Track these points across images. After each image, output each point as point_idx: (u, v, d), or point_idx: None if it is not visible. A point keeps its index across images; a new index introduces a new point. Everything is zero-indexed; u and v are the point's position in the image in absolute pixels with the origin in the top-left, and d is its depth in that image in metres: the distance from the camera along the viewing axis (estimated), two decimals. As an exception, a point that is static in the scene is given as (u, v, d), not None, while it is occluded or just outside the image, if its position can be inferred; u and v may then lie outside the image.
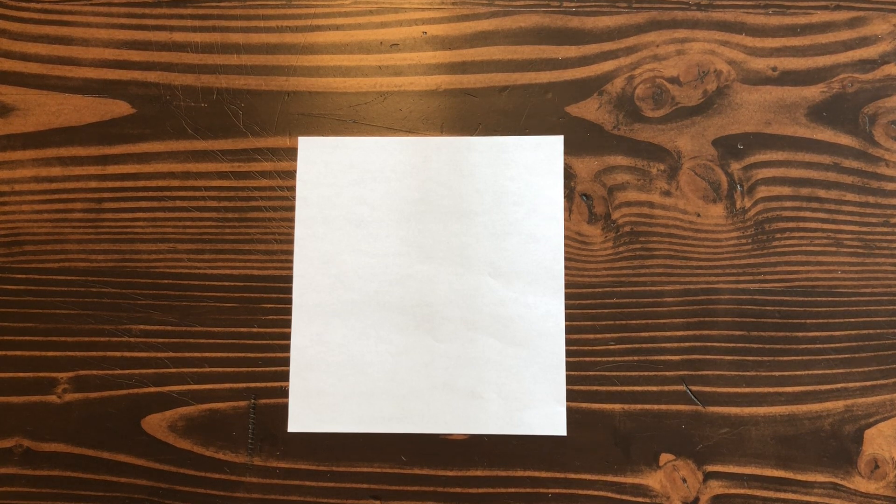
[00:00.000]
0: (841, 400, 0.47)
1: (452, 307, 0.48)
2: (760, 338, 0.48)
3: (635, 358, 0.48)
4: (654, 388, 0.48)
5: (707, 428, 0.48)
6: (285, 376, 0.48)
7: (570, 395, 0.48)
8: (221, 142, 0.50)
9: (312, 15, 0.50)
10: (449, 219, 0.49)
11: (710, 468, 0.47)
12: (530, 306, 0.48)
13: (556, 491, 0.47)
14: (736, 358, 0.48)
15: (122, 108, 0.50)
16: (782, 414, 0.47)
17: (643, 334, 0.48)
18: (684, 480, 0.47)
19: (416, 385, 0.48)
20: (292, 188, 0.49)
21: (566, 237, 0.49)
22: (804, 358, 0.48)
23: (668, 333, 0.48)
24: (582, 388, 0.48)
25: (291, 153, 0.50)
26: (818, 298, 0.48)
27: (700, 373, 0.48)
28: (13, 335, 0.49)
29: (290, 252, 0.49)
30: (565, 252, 0.48)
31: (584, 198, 0.49)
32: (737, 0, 0.50)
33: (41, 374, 0.48)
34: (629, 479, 0.47)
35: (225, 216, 0.49)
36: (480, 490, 0.48)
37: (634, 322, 0.48)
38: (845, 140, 0.49)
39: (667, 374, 0.48)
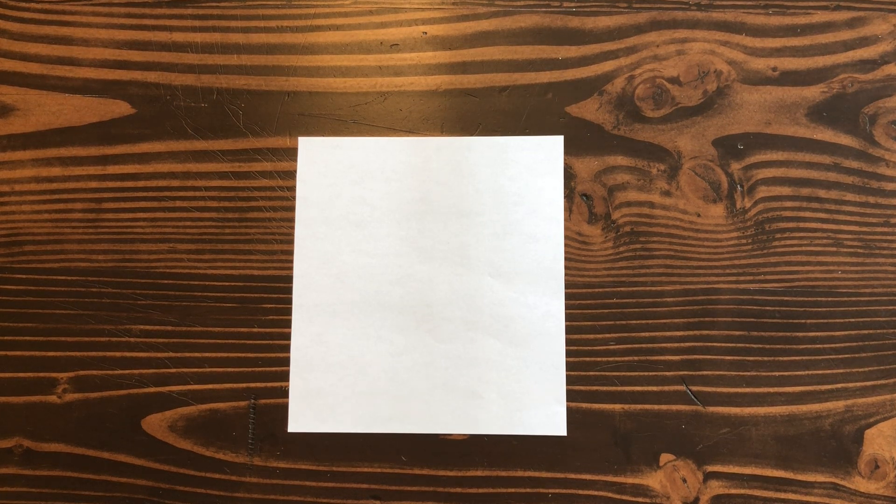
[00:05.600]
0: (841, 400, 0.47)
1: (452, 307, 0.48)
2: (760, 338, 0.48)
3: (635, 358, 0.48)
4: (654, 388, 0.48)
5: (707, 428, 0.48)
6: (285, 376, 0.48)
7: (570, 395, 0.48)
8: (221, 142, 0.50)
9: (312, 15, 0.50)
10: (449, 219, 0.49)
11: (711, 468, 0.47)
12: (530, 306, 0.48)
13: (556, 491, 0.47)
14: (736, 358, 0.48)
15: (122, 108, 0.50)
16: (782, 414, 0.47)
17: (643, 334, 0.48)
18: (684, 480, 0.47)
19: (416, 385, 0.48)
20: (292, 188, 0.49)
21: (566, 237, 0.49)
22: (804, 358, 0.48)
23: (668, 333, 0.48)
24: (582, 388, 0.48)
25: (291, 153, 0.50)
26: (818, 298, 0.48)
27: (700, 373, 0.48)
28: (13, 335, 0.49)
29: (290, 252, 0.49)
30: (565, 252, 0.48)
31: (584, 198, 0.49)
32: (737, 0, 0.50)
33: (41, 374, 0.48)
34: (629, 479, 0.47)
35: (225, 216, 0.49)
36: (480, 490, 0.48)
37: (634, 322, 0.48)
38: (845, 140, 0.49)
39: (667, 374, 0.48)
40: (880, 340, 0.48)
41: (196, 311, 0.49)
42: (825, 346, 0.48)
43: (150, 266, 0.49)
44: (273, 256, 0.49)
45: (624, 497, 0.47)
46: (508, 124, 0.49)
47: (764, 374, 0.48)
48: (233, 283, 0.49)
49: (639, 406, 0.48)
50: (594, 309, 0.48)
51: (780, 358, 0.48)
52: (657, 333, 0.48)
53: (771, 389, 0.48)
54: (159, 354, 0.48)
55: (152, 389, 0.48)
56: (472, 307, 0.48)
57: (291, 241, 0.49)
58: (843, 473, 0.47)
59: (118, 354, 0.48)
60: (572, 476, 0.48)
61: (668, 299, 0.48)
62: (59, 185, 0.50)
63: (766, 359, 0.48)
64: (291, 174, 0.49)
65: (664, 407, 0.48)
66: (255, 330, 0.48)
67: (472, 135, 0.49)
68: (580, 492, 0.47)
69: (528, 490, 0.48)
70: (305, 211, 0.49)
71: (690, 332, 0.48)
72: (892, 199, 0.48)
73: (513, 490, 0.48)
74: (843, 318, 0.48)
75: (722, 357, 0.48)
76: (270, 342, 0.48)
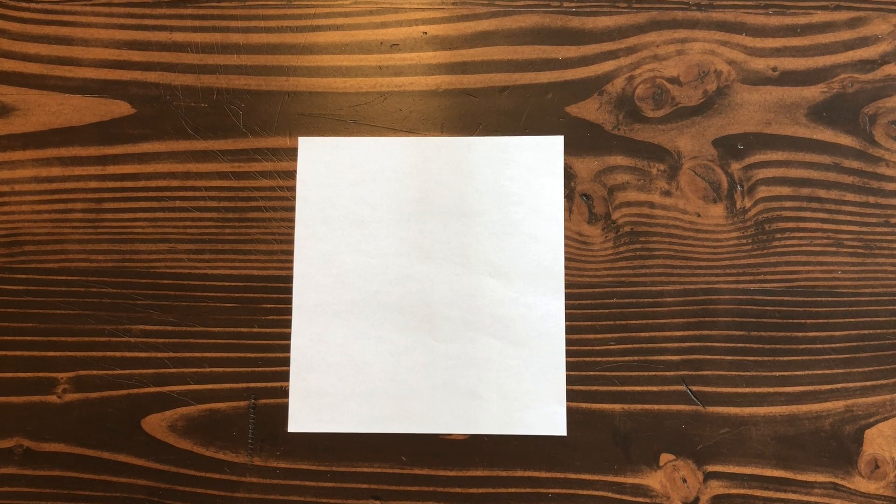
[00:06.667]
0: (841, 400, 0.47)
1: (452, 307, 0.48)
2: (760, 338, 0.48)
3: (635, 358, 0.48)
4: (654, 388, 0.48)
5: (707, 428, 0.48)
6: (285, 376, 0.48)
7: (570, 395, 0.48)
8: (221, 142, 0.50)
9: (312, 15, 0.50)
10: (449, 219, 0.49)
11: (711, 468, 0.47)
12: (530, 306, 0.48)
13: (556, 491, 0.47)
14: (736, 358, 0.48)
15: (122, 108, 0.50)
16: (782, 414, 0.47)
17: (643, 334, 0.48)
18: (684, 480, 0.47)
19: (416, 385, 0.48)
20: (292, 188, 0.49)
21: (566, 237, 0.49)
22: (804, 358, 0.48)
23: (668, 333, 0.48)
24: (582, 388, 0.48)
25: (291, 153, 0.50)
26: (818, 298, 0.48)
27: (700, 373, 0.48)
28: (13, 335, 0.49)
29: (290, 252, 0.49)
30: (565, 252, 0.48)
31: (584, 198, 0.49)
32: (737, 0, 0.50)
33: (41, 374, 0.48)
34: (629, 479, 0.47)
35: (225, 216, 0.49)
36: (480, 490, 0.48)
37: (634, 322, 0.48)
38: (845, 140, 0.49)
39: (667, 374, 0.48)
40: (880, 340, 0.48)
41: (196, 311, 0.49)
42: (825, 346, 0.48)
43: (150, 266, 0.49)
44: (273, 256, 0.49)
45: (624, 497, 0.47)
46: (508, 124, 0.49)
47: (764, 374, 0.48)
48: (233, 283, 0.49)
49: (639, 406, 0.48)
50: (594, 309, 0.48)
51: (780, 358, 0.48)
52: (657, 333, 0.48)
53: (771, 389, 0.48)
54: (159, 354, 0.48)
55: (152, 389, 0.48)
56: (472, 307, 0.48)
57: (291, 241, 0.49)
58: (843, 473, 0.47)
59: (118, 354, 0.48)
60: (572, 476, 0.48)
61: (668, 299, 0.48)
62: (59, 185, 0.50)
63: (766, 359, 0.48)
64: (291, 174, 0.49)
65: (664, 407, 0.48)
66: (255, 330, 0.48)
67: (472, 135, 0.49)
68: (580, 492, 0.47)
69: (528, 490, 0.48)
70: (305, 211, 0.49)
71: (690, 332, 0.48)
72: (892, 199, 0.48)
73: (513, 490, 0.48)
74: (843, 318, 0.48)
75: (722, 357, 0.48)
76: (270, 342, 0.48)
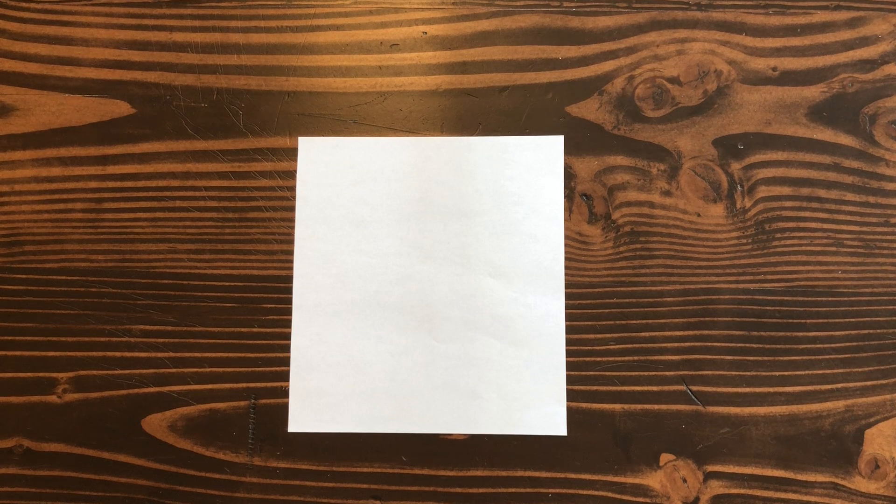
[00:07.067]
0: (841, 400, 0.47)
1: (452, 307, 0.48)
2: (760, 338, 0.48)
3: (635, 358, 0.48)
4: (654, 388, 0.48)
5: (707, 428, 0.48)
6: (285, 376, 0.48)
7: (570, 395, 0.48)
8: (221, 142, 0.50)
9: (312, 15, 0.50)
10: (449, 219, 0.49)
11: (711, 468, 0.47)
12: (530, 306, 0.48)
13: (556, 491, 0.47)
14: (736, 358, 0.48)
15: (122, 108, 0.50)
16: (782, 414, 0.47)
17: (643, 334, 0.48)
18: (684, 480, 0.47)
19: (416, 385, 0.48)
20: (292, 188, 0.49)
21: (566, 237, 0.49)
22: (804, 358, 0.48)
23: (668, 333, 0.48)
24: (582, 388, 0.48)
25: (291, 153, 0.50)
26: (818, 298, 0.48)
27: (700, 373, 0.48)
28: (13, 335, 0.49)
29: (290, 252, 0.49)
30: (565, 252, 0.48)
31: (585, 198, 0.49)
32: (737, 0, 0.50)
33: (41, 374, 0.48)
34: (629, 479, 0.47)
35: (225, 216, 0.49)
36: (480, 490, 0.48)
37: (634, 322, 0.48)
38: (845, 140, 0.49)
39: (667, 374, 0.48)
40: (880, 340, 0.48)
41: (196, 311, 0.49)
42: (825, 346, 0.48)
43: (150, 266, 0.49)
44: (273, 256, 0.49)
45: (624, 497, 0.47)
46: (508, 124, 0.49)
47: (764, 374, 0.48)
48: (233, 283, 0.49)
49: (639, 406, 0.48)
50: (594, 309, 0.48)
51: (780, 358, 0.48)
52: (657, 333, 0.48)
53: (771, 389, 0.48)
54: (159, 354, 0.48)
55: (152, 389, 0.48)
56: (472, 307, 0.48)
57: (291, 241, 0.49)
58: (843, 473, 0.47)
59: (118, 354, 0.48)
60: (572, 476, 0.48)
61: (668, 299, 0.48)
62: (59, 185, 0.50)
63: (766, 359, 0.48)
64: (291, 174, 0.49)
65: (664, 407, 0.48)
66: (255, 330, 0.48)
67: (472, 135, 0.49)
68: (580, 492, 0.47)
69: (528, 490, 0.48)
70: (305, 211, 0.49)
71: (690, 332, 0.48)
72: (892, 199, 0.48)
73: (513, 490, 0.48)
74: (843, 318, 0.48)
75: (722, 357, 0.48)
76: (270, 342, 0.48)
